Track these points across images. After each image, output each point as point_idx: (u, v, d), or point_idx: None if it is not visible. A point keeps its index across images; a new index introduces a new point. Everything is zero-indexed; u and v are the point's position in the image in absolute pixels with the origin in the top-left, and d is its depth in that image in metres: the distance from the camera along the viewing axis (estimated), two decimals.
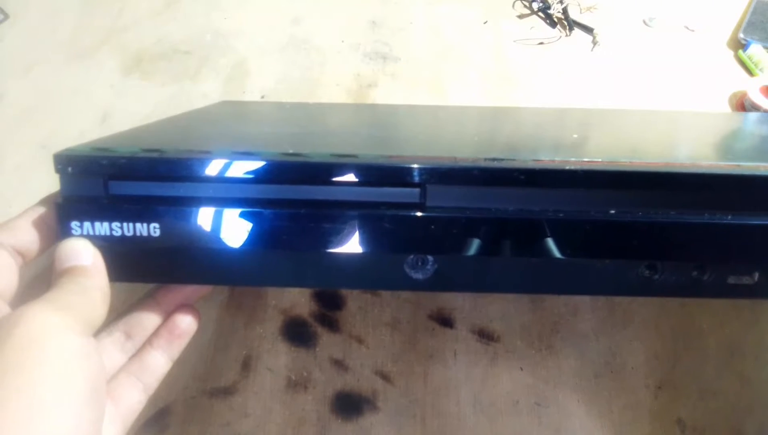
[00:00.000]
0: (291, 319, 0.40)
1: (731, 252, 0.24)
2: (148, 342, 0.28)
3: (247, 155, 0.24)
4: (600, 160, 0.24)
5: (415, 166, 0.24)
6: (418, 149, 0.29)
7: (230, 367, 0.39)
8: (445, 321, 0.40)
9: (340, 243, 0.24)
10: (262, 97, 0.54)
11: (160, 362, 0.28)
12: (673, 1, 0.60)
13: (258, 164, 0.24)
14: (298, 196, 0.24)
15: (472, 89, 0.54)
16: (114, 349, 0.27)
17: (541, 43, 0.58)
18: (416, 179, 0.24)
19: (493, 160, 0.24)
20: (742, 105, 0.51)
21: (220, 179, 0.24)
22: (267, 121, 0.41)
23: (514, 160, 0.24)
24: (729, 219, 0.23)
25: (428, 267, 0.25)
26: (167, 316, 0.28)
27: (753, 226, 0.24)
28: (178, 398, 0.38)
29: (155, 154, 0.24)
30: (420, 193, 0.24)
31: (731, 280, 0.24)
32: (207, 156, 0.24)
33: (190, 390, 0.38)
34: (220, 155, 0.24)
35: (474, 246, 0.24)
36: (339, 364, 0.38)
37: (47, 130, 0.52)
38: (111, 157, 0.24)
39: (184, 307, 0.29)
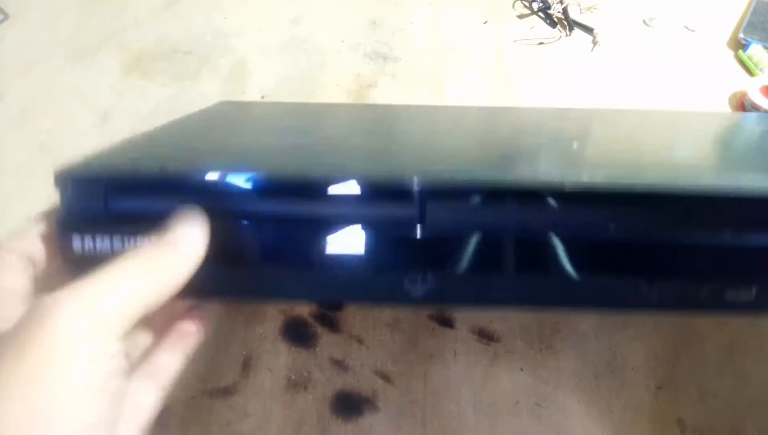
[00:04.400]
0: (291, 319, 0.40)
1: (729, 271, 0.24)
2: (157, 345, 0.27)
3: (245, 169, 0.24)
4: (599, 178, 0.24)
5: (415, 183, 0.24)
6: (418, 161, 0.29)
7: (230, 367, 0.38)
8: (445, 321, 0.40)
9: (336, 260, 0.24)
10: (262, 97, 0.54)
11: (172, 362, 0.27)
12: (673, 1, 0.60)
13: (256, 177, 0.24)
14: (297, 210, 0.24)
15: (473, 89, 0.54)
16: None
17: (541, 43, 0.58)
18: (415, 196, 0.24)
19: (493, 176, 0.24)
20: (742, 105, 0.51)
21: (218, 193, 0.24)
22: (265, 127, 0.41)
23: (513, 177, 0.24)
24: (727, 239, 0.24)
25: (428, 283, 0.25)
26: (162, 331, 0.27)
27: (752, 245, 0.24)
28: (178, 398, 0.38)
29: (154, 170, 0.25)
30: (419, 210, 0.24)
31: (729, 295, 0.24)
32: (205, 170, 0.24)
33: (190, 390, 0.38)
34: (218, 169, 0.24)
35: (473, 263, 0.24)
36: (339, 364, 0.38)
37: (47, 130, 0.52)
38: (111, 173, 0.24)
39: (190, 315, 0.28)
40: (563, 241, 0.24)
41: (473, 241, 0.24)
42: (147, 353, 0.27)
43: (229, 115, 0.44)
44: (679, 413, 0.36)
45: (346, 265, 0.25)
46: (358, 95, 0.54)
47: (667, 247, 0.24)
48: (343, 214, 0.24)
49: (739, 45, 0.56)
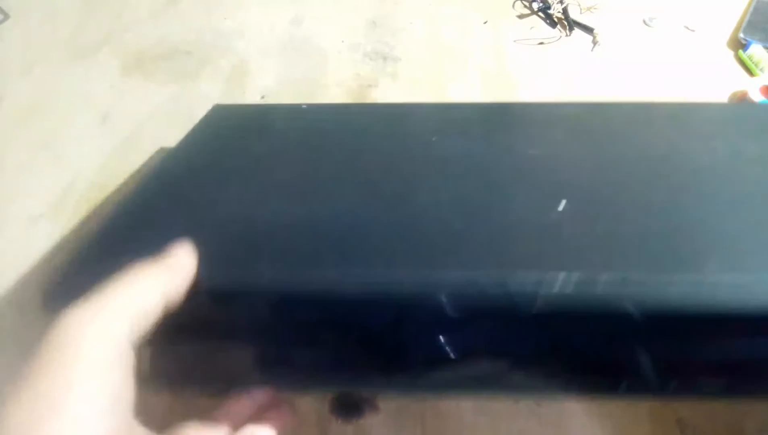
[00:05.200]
0: None
1: (703, 371, 0.25)
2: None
3: (241, 276, 0.26)
4: (571, 288, 0.24)
5: (387, 296, 0.24)
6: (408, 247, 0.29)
7: None
8: None
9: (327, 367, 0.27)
10: (262, 97, 0.54)
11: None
12: (673, 1, 0.60)
13: (252, 286, 0.25)
14: (297, 315, 0.26)
15: (473, 89, 0.54)
16: None
17: (541, 43, 0.58)
18: (390, 311, 0.25)
19: (470, 290, 0.24)
20: None
21: (209, 295, 0.25)
22: (255, 171, 0.36)
23: (488, 296, 0.24)
24: (703, 347, 0.25)
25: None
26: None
27: (723, 349, 0.25)
28: (178, 398, 0.38)
29: None
30: (394, 320, 0.25)
31: (701, 384, 0.25)
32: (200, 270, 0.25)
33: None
34: (207, 269, 0.25)
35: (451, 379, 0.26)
36: None
37: (47, 130, 0.52)
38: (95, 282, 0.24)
39: (277, 408, 0.29)
40: (544, 356, 0.25)
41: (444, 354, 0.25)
42: None
43: (221, 146, 0.40)
44: (679, 413, 0.36)
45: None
46: (359, 95, 0.54)
47: (644, 359, 0.25)
48: (325, 319, 0.26)
49: (739, 45, 0.56)
